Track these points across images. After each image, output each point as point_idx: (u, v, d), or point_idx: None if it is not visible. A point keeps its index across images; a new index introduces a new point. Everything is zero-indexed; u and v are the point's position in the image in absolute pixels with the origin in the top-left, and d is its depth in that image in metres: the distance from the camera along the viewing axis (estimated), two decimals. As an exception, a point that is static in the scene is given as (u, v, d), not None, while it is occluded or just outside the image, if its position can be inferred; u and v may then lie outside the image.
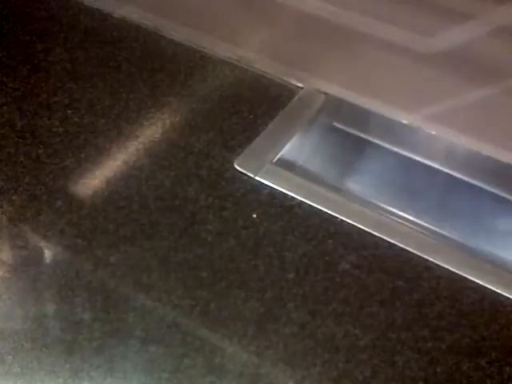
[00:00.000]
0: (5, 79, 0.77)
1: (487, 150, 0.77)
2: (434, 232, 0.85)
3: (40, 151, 0.67)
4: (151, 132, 0.72)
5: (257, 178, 0.68)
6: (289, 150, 0.77)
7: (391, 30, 0.73)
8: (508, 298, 0.58)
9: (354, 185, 0.95)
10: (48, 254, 0.56)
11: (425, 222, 0.88)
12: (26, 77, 0.79)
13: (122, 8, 0.92)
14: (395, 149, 0.87)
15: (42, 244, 0.57)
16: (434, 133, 0.79)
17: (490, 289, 0.59)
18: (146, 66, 0.83)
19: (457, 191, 0.85)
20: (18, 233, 0.58)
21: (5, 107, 0.73)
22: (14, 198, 0.61)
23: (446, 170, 0.84)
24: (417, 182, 0.89)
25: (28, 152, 0.67)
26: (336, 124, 0.89)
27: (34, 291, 0.53)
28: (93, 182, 0.65)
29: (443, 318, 0.56)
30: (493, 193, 0.82)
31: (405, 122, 0.80)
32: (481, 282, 0.59)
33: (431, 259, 0.61)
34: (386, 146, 0.87)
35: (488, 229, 0.86)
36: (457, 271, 0.60)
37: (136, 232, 0.59)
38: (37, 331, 0.50)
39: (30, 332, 0.50)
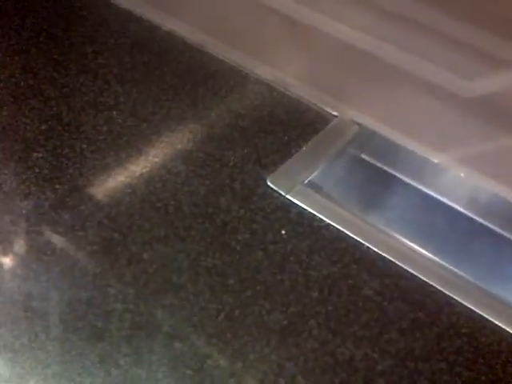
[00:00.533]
0: (56, 75, 0.81)
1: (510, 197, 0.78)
2: (452, 271, 0.86)
3: (84, 146, 0.70)
4: (190, 141, 0.75)
5: (288, 196, 0.70)
6: (318, 174, 0.79)
7: (430, 69, 0.75)
8: (526, 343, 0.58)
9: (375, 217, 0.96)
10: (85, 244, 0.58)
11: (443, 260, 0.88)
12: (76, 75, 0.82)
13: (170, 22, 0.95)
14: (420, 187, 0.88)
15: (81, 233, 0.59)
16: (462, 175, 0.81)
17: (508, 331, 0.59)
18: (189, 78, 0.86)
19: (477, 235, 0.86)
20: (58, 220, 0.60)
21: (54, 101, 0.76)
22: (57, 186, 0.63)
23: (469, 214, 0.85)
24: (439, 222, 0.90)
25: (73, 145, 0.69)
26: (364, 156, 0.90)
27: (70, 276, 0.55)
28: (132, 181, 0.67)
29: (461, 354, 0.56)
30: (510, 239, 0.83)
31: (435, 161, 0.82)
32: (500, 324, 0.60)
33: (452, 295, 0.62)
34: (412, 182, 0.88)
35: (505, 275, 0.86)
36: (477, 310, 0.61)
37: (169, 233, 0.61)
38: (70, 314, 0.51)
39: (64, 314, 0.51)
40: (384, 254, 0.64)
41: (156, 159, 0.70)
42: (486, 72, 0.70)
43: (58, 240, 0.58)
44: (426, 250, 0.89)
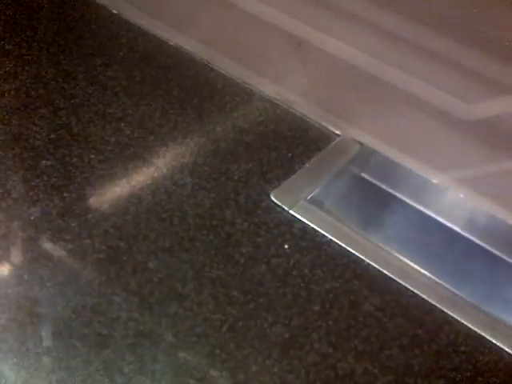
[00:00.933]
0: (65, 86, 0.82)
1: (510, 219, 0.79)
2: (451, 291, 0.87)
3: (92, 156, 0.71)
4: (195, 154, 0.76)
5: (291, 211, 0.71)
6: (320, 191, 0.80)
7: (432, 92, 0.77)
8: (523, 363, 0.59)
9: (374, 235, 0.97)
10: (91, 251, 0.59)
11: (441, 280, 0.89)
12: (85, 87, 0.83)
13: (177, 37, 0.97)
14: (419, 207, 0.89)
15: (87, 241, 0.60)
16: (461, 195, 0.82)
17: (506, 351, 0.60)
18: (195, 93, 0.87)
19: (475, 256, 0.87)
20: (65, 227, 0.61)
21: (63, 111, 0.77)
22: (65, 194, 0.64)
23: (467, 235, 0.87)
24: (437, 242, 0.91)
25: (81, 155, 0.71)
26: (364, 175, 0.92)
27: (76, 283, 0.55)
28: (138, 191, 0.68)
29: (459, 372, 0.57)
30: (509, 262, 0.84)
31: (435, 181, 0.83)
32: (498, 344, 0.61)
33: (452, 314, 0.63)
34: (411, 202, 0.90)
35: (502, 297, 0.87)
36: (475, 329, 0.61)
37: (174, 244, 0.62)
38: (75, 321, 0.52)
39: (69, 320, 0.52)
40: (385, 271, 0.65)
41: (162, 171, 0.71)
42: (486, 96, 0.72)
43: (64, 247, 0.58)
44: (424, 269, 0.90)
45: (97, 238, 0.60)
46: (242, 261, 0.61)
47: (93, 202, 0.64)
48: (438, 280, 0.87)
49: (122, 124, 0.77)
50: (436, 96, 0.76)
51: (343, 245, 0.67)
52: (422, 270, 0.86)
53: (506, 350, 0.60)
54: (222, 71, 0.92)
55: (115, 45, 0.94)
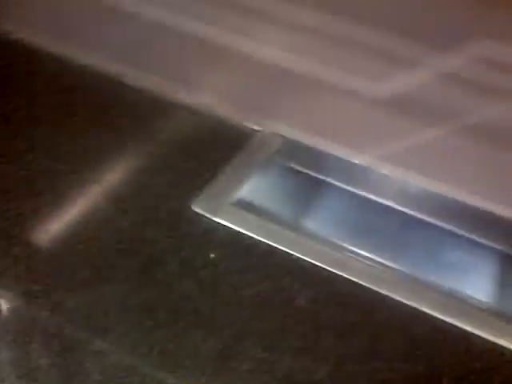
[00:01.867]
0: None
1: (435, 187, 0.81)
2: (388, 267, 0.88)
3: (-2, 198, 0.67)
4: (110, 176, 0.74)
5: (215, 218, 0.70)
6: (247, 190, 0.79)
7: (341, 75, 0.77)
8: (458, 327, 0.60)
9: (311, 223, 0.97)
10: (3, 301, 0.56)
11: (379, 257, 0.91)
12: (-14, 125, 0.79)
13: (82, 55, 0.94)
14: (349, 188, 0.90)
15: (-2, 291, 0.57)
16: (385, 171, 0.83)
17: (440, 319, 0.61)
18: (106, 111, 0.85)
19: (408, 227, 0.89)
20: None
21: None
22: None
23: (398, 208, 0.88)
24: (371, 220, 0.92)
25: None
26: (292, 165, 0.92)
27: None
28: (50, 226, 0.65)
29: (397, 349, 0.57)
30: (443, 227, 0.86)
31: (357, 161, 0.84)
32: (432, 313, 0.62)
33: (384, 292, 0.63)
34: (341, 185, 0.90)
35: (438, 261, 0.89)
36: (409, 303, 0.62)
37: (93, 276, 0.60)
38: (-7, 379, 0.49)
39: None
40: (316, 262, 0.65)
41: (76, 200, 0.69)
42: (394, 71, 0.73)
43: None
44: (361, 249, 0.91)
45: (7, 285, 0.57)
46: (167, 280, 0.60)
47: (1, 247, 0.61)
48: (376, 257, 0.88)
49: (30, 157, 0.74)
50: (345, 78, 0.77)
51: (271, 243, 0.67)
52: (359, 250, 0.87)
53: (440, 317, 0.61)
54: (133, 84, 0.90)
55: (16, 72, 0.90)
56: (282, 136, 0.86)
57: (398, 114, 0.77)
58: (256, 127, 0.85)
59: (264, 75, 0.83)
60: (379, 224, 0.92)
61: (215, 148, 0.80)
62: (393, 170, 0.82)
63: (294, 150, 0.89)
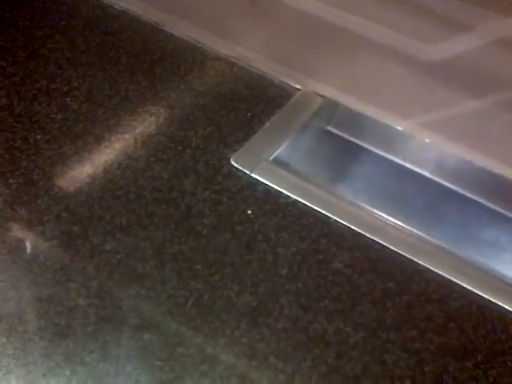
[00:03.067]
0: (3, 63, 0.77)
1: (478, 160, 0.78)
2: (422, 238, 0.87)
3: (38, 137, 0.67)
4: (149, 124, 0.72)
5: (252, 174, 0.69)
6: (284, 150, 0.77)
7: (391, 36, 0.74)
8: (495, 304, 0.59)
9: (345, 189, 0.96)
10: (43, 239, 0.56)
11: (413, 227, 0.89)
12: (25, 62, 0.78)
13: (122, 0, 0.92)
14: (387, 155, 0.88)
15: (39, 228, 0.57)
16: (427, 140, 0.81)
17: (477, 294, 0.60)
18: (145, 58, 0.83)
19: (446, 200, 0.87)
20: (14, 216, 0.58)
21: (3, 91, 0.72)
22: (10, 181, 0.61)
23: (436, 179, 0.86)
24: (407, 189, 0.90)
25: (26, 137, 0.67)
26: (330, 128, 0.90)
27: (29, 274, 0.53)
28: (90, 170, 0.65)
29: (432, 320, 0.57)
30: (480, 203, 0.84)
31: (399, 128, 0.81)
32: (469, 287, 0.60)
33: (421, 263, 0.62)
34: (379, 152, 0.88)
35: (474, 238, 0.88)
36: (446, 275, 0.61)
37: (132, 222, 0.59)
38: (30, 314, 0.50)
39: (24, 314, 0.50)
40: (352, 227, 0.64)
41: (114, 145, 0.68)
42: (446, 36, 0.69)
43: (14, 237, 0.56)
44: (396, 218, 0.89)
45: (48, 223, 0.57)
46: (204, 232, 0.59)
47: (42, 186, 0.61)
48: (410, 228, 0.87)
49: (68, 99, 0.73)
50: (395, 39, 0.74)
51: (308, 204, 0.65)
52: (394, 220, 0.86)
53: (477, 292, 0.59)
54: (173, 32, 0.88)
55: (55, 13, 0.88)
56: (322, 96, 0.83)
57: (447, 81, 0.74)
58: (296, 85, 0.83)
59: (308, 31, 0.80)
60: (415, 194, 0.90)
61: (254, 103, 0.78)
62: (433, 139, 0.79)
63: (334, 112, 0.87)
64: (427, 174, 0.86)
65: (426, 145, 0.82)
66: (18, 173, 0.62)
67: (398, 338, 0.54)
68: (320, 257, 0.60)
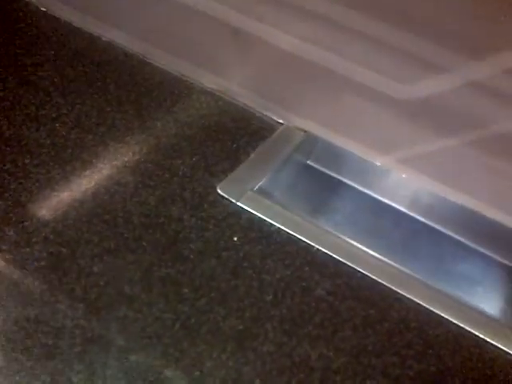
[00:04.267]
0: (-7, 88, 0.78)
1: (452, 196, 0.82)
2: (399, 270, 0.89)
3: (27, 161, 0.68)
4: (137, 151, 0.74)
5: (238, 203, 0.70)
6: (267, 181, 0.80)
7: (369, 75, 0.78)
8: (470, 333, 0.61)
9: (324, 221, 0.98)
10: (31, 260, 0.56)
11: (390, 260, 0.91)
12: (15, 88, 0.79)
13: (109, 32, 0.94)
14: (365, 190, 0.91)
15: (26, 250, 0.57)
16: (404, 176, 0.84)
17: (454, 323, 0.62)
18: (132, 89, 0.85)
19: (421, 234, 0.90)
20: (2, 236, 0.58)
21: (-8, 115, 0.73)
22: (-1, 202, 0.61)
23: (412, 214, 0.89)
24: (384, 223, 0.93)
25: (14, 160, 0.67)
26: (310, 162, 0.93)
27: (17, 294, 0.53)
28: (78, 194, 0.65)
29: (411, 348, 0.58)
30: (454, 238, 0.87)
31: (377, 163, 0.84)
32: (446, 316, 0.62)
33: (401, 292, 0.64)
34: (357, 186, 0.91)
35: (448, 271, 0.90)
36: (424, 304, 0.63)
37: (120, 245, 0.60)
38: (17, 333, 0.49)
39: (11, 334, 0.49)
40: (334, 255, 0.66)
41: (102, 171, 0.69)
42: (421, 76, 0.73)
43: (2, 257, 0.55)
44: (373, 250, 0.92)
45: (36, 245, 0.57)
46: (191, 257, 0.60)
47: (30, 208, 0.61)
48: (386, 260, 0.89)
49: (57, 125, 0.74)
50: (373, 79, 0.77)
51: (292, 232, 0.67)
52: (371, 252, 0.88)
53: (454, 321, 0.62)
54: (159, 65, 0.91)
55: (45, 43, 0.90)
56: (304, 131, 0.86)
57: (423, 119, 0.78)
58: (280, 120, 0.86)
59: (291, 69, 0.84)
60: (391, 228, 0.92)
61: (239, 135, 0.81)
62: (410, 174, 0.82)
63: (315, 147, 0.90)
64: (403, 209, 0.89)
65: (403, 180, 0.85)
66: (6, 195, 0.62)
67: (379, 364, 0.56)
68: (303, 284, 0.62)
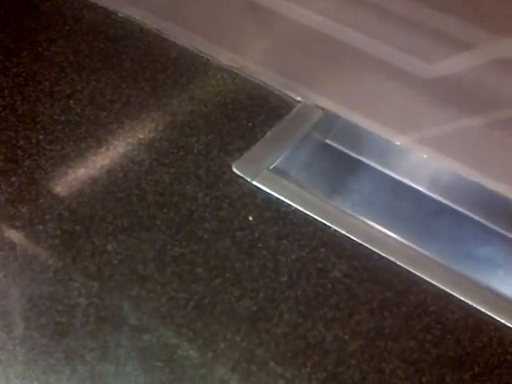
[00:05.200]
0: (8, 64, 0.77)
1: (474, 177, 0.79)
2: (418, 251, 0.87)
3: (41, 137, 0.67)
4: (152, 129, 0.73)
5: (254, 182, 0.69)
6: (284, 160, 0.78)
7: (391, 52, 0.75)
8: (491, 317, 0.59)
9: (341, 201, 0.96)
10: (45, 237, 0.56)
11: (408, 241, 0.90)
12: (29, 64, 0.78)
13: (125, 7, 0.93)
14: (384, 170, 0.89)
15: (40, 227, 0.57)
16: (425, 156, 0.82)
17: (474, 307, 0.60)
18: (148, 65, 0.83)
19: (440, 216, 0.88)
20: (15, 214, 0.57)
21: (6, 91, 0.73)
22: (13, 179, 0.61)
23: (432, 195, 0.87)
24: (403, 204, 0.91)
25: (28, 137, 0.67)
26: (328, 141, 0.91)
27: (31, 272, 0.52)
28: (92, 171, 0.65)
29: (429, 332, 0.57)
30: (475, 220, 0.85)
31: (397, 143, 0.82)
32: (466, 300, 0.61)
33: (419, 274, 0.63)
34: (376, 166, 0.89)
35: (468, 254, 0.88)
36: (443, 288, 0.62)
37: (134, 223, 0.59)
38: (31, 311, 0.49)
39: (25, 311, 0.49)
40: (351, 237, 0.65)
41: (117, 148, 0.68)
42: (445, 54, 0.71)
43: (16, 235, 0.55)
44: (392, 232, 0.90)
45: (50, 222, 0.57)
46: (205, 236, 0.60)
47: (44, 185, 0.61)
48: (405, 241, 0.87)
49: (72, 101, 0.73)
50: (396, 56, 0.75)
51: (308, 213, 0.66)
52: (389, 233, 0.86)
53: (474, 305, 0.60)
54: (175, 41, 0.89)
55: (60, 18, 0.88)
56: (322, 109, 0.84)
57: (445, 98, 0.75)
58: (298, 97, 0.84)
59: (310, 45, 0.82)
60: (410, 209, 0.90)
61: (255, 113, 0.79)
62: (431, 155, 0.80)
63: (333, 125, 0.88)
64: (423, 190, 0.87)
65: (423, 160, 0.83)
66: (20, 171, 0.62)
67: (395, 348, 0.55)
68: (319, 265, 0.60)
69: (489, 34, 0.65)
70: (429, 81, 0.74)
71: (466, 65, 0.70)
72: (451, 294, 0.61)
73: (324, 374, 0.50)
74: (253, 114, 0.79)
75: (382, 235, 0.69)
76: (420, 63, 0.74)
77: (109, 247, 0.56)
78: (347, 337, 0.54)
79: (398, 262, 0.63)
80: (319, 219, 0.66)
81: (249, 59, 0.88)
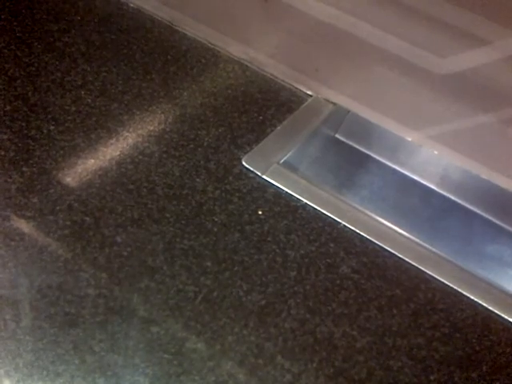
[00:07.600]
0: (19, 54, 0.77)
1: (485, 174, 0.78)
2: (426, 248, 0.87)
3: (51, 127, 0.67)
4: (162, 121, 0.73)
5: (264, 176, 0.69)
6: (293, 154, 0.78)
7: (404, 47, 0.75)
8: (500, 316, 0.59)
9: (351, 196, 0.96)
10: (55, 228, 0.56)
11: (417, 238, 0.89)
12: (41, 54, 0.78)
13: (137, -2, 0.92)
14: (394, 165, 0.88)
15: (50, 217, 0.57)
16: (435, 152, 0.81)
17: (483, 305, 0.60)
18: (159, 57, 0.83)
19: (450, 213, 0.87)
20: (26, 204, 0.57)
21: (18, 81, 0.73)
22: (24, 169, 0.61)
23: (442, 192, 0.86)
24: (412, 200, 0.91)
25: (39, 127, 0.67)
26: (338, 136, 0.90)
27: (40, 262, 0.53)
28: (102, 162, 0.65)
29: (438, 330, 0.57)
30: (485, 217, 0.84)
31: (408, 139, 0.82)
32: (475, 299, 0.61)
33: (428, 272, 0.62)
34: (385, 161, 0.89)
35: (477, 252, 0.88)
36: (452, 286, 0.61)
37: (143, 215, 0.59)
38: (41, 301, 0.49)
39: (34, 301, 0.49)
40: (361, 233, 0.64)
41: (127, 140, 0.68)
42: (459, 49, 0.70)
43: (26, 225, 0.55)
44: (401, 228, 0.90)
45: (60, 213, 0.57)
46: (214, 229, 0.60)
47: (54, 175, 0.61)
48: (414, 238, 0.87)
49: (83, 92, 0.73)
50: (409, 51, 0.74)
51: (318, 208, 0.66)
52: (398, 229, 0.86)
53: (482, 304, 0.60)
54: (186, 32, 0.88)
55: (71, 8, 0.88)
56: (333, 104, 0.84)
57: (458, 94, 0.74)
58: (308, 91, 0.83)
59: (322, 38, 0.81)
60: (420, 206, 0.90)
61: (266, 107, 0.79)
62: (441, 151, 0.79)
63: (345, 120, 0.87)
64: (433, 187, 0.86)
65: (434, 157, 0.82)
66: (31, 162, 0.62)
67: (403, 345, 0.54)
68: (328, 260, 0.60)
69: (504, 29, 0.64)
70: (442, 76, 0.74)
71: (480, 60, 0.70)
72: (460, 292, 0.60)
73: (331, 370, 0.50)
74: (263, 107, 0.79)
75: (391, 232, 0.68)
76: (434, 58, 0.74)
77: (118, 239, 0.56)
78: (355, 333, 0.54)
79: (407, 259, 0.63)
80: (328, 214, 0.65)
81: (260, 52, 0.87)
